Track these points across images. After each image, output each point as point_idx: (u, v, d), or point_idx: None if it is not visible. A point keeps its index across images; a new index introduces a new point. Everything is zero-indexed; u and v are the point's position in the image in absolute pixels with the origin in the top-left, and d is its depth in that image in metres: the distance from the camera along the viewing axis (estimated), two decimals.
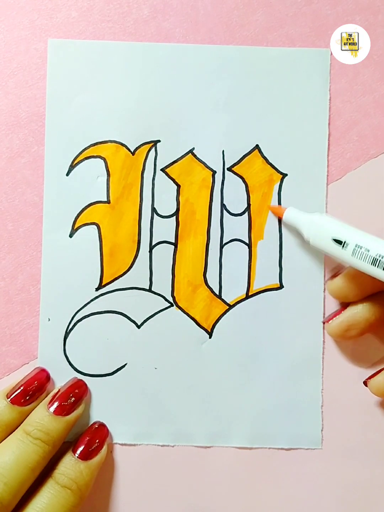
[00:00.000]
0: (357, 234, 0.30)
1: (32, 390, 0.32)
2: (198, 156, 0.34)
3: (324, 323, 0.34)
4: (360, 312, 0.32)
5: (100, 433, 0.33)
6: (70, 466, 0.31)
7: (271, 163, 0.34)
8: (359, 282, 0.32)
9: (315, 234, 0.31)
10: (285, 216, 0.33)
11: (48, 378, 0.33)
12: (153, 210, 0.34)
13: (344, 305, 0.33)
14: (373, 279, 0.30)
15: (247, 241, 0.34)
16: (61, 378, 0.34)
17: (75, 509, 0.30)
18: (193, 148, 0.34)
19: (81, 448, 0.32)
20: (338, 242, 0.30)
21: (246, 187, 0.34)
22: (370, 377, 0.33)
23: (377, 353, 0.34)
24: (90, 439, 0.32)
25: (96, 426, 0.33)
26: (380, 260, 0.29)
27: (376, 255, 0.29)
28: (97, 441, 0.32)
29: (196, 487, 0.34)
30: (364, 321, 0.32)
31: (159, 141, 0.34)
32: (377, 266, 0.29)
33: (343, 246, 0.30)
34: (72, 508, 0.30)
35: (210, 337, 0.34)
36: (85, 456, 0.31)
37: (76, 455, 0.31)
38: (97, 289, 0.34)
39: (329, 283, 0.33)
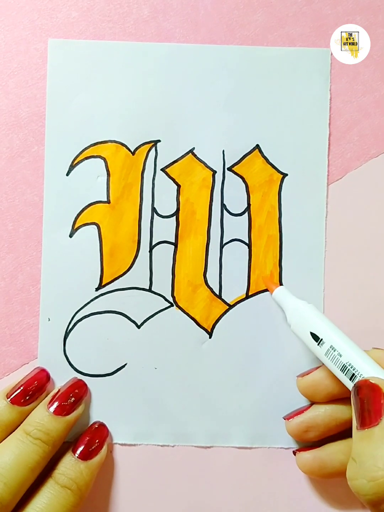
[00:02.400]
0: (334, 335, 0.29)
1: (32, 390, 0.32)
2: (198, 156, 0.34)
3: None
4: (321, 415, 0.31)
5: (100, 433, 0.33)
6: (70, 466, 0.31)
7: (271, 163, 0.34)
8: (327, 384, 0.31)
9: (297, 322, 0.31)
10: (274, 294, 0.33)
11: (48, 378, 0.33)
12: (153, 210, 0.34)
13: (309, 405, 0.33)
14: (341, 384, 0.29)
15: (247, 241, 0.34)
16: (61, 378, 0.34)
17: (75, 509, 0.30)
18: (193, 148, 0.34)
19: (81, 448, 0.32)
20: (316, 337, 0.30)
21: (246, 187, 0.34)
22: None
23: None
24: (90, 439, 0.32)
25: (96, 426, 0.33)
26: (349, 369, 0.28)
27: (347, 363, 0.28)
28: (97, 441, 0.32)
29: (196, 487, 0.34)
30: (323, 426, 0.31)
31: (159, 141, 0.34)
32: (345, 374, 0.28)
33: (319, 343, 0.29)
34: (72, 508, 0.30)
35: (210, 337, 0.34)
36: (85, 456, 0.31)
37: (76, 455, 0.31)
38: (97, 289, 0.34)
39: (298, 380, 0.33)
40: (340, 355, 0.29)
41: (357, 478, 0.24)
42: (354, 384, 0.27)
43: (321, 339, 0.29)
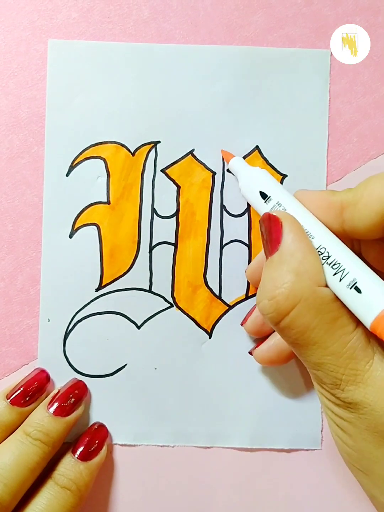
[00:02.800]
0: (282, 194, 0.29)
1: (32, 391, 0.32)
2: (198, 157, 0.34)
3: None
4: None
5: (100, 433, 0.33)
6: (69, 467, 0.31)
7: (271, 164, 0.34)
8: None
9: (247, 185, 0.31)
10: (230, 163, 0.33)
11: (48, 378, 0.33)
12: (153, 210, 0.34)
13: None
14: None
15: (247, 242, 0.34)
16: (61, 379, 0.34)
17: (75, 510, 0.30)
18: (193, 149, 0.34)
19: (80, 449, 0.32)
20: (264, 196, 0.29)
21: None
22: (255, 347, 0.33)
23: None
24: (89, 440, 0.32)
25: (96, 427, 0.33)
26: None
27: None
28: (96, 441, 0.32)
29: (196, 487, 0.34)
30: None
31: (159, 142, 0.34)
32: None
33: (266, 201, 0.29)
34: (71, 509, 0.30)
35: (210, 338, 0.34)
36: (85, 457, 0.31)
37: (76, 456, 0.31)
38: (97, 290, 0.34)
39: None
40: (285, 209, 0.28)
41: (261, 300, 0.25)
42: (259, 220, 0.28)
43: (269, 196, 0.29)
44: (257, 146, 0.34)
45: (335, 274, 0.25)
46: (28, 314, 0.34)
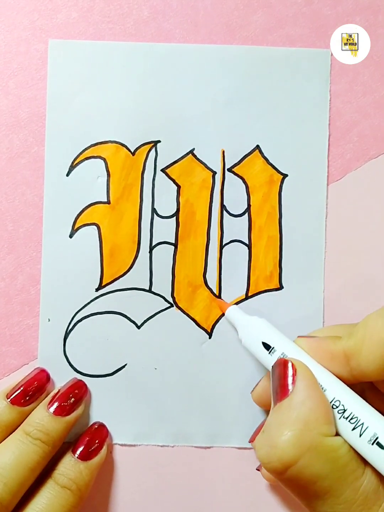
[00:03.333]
0: (285, 343, 0.29)
1: (32, 390, 0.32)
2: (198, 156, 0.34)
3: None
4: None
5: (100, 433, 0.33)
6: (69, 467, 0.31)
7: (271, 164, 0.34)
8: None
9: (248, 335, 0.31)
10: (226, 313, 0.33)
11: (48, 378, 0.33)
12: (153, 210, 0.34)
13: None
14: None
15: (247, 242, 0.34)
16: (61, 379, 0.34)
17: (75, 510, 0.30)
18: (193, 149, 0.34)
19: (80, 449, 0.32)
20: (267, 346, 0.29)
21: (246, 188, 0.34)
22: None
23: None
24: (89, 439, 0.32)
25: (96, 426, 0.33)
26: None
27: None
28: (96, 441, 0.32)
29: (196, 487, 0.34)
30: None
31: (159, 141, 0.34)
32: None
33: (270, 352, 0.29)
34: (71, 509, 0.30)
35: (210, 338, 0.34)
36: (85, 456, 0.31)
37: (76, 455, 0.31)
38: (97, 290, 0.34)
39: (253, 394, 0.33)
40: None
41: (262, 447, 0.25)
42: (275, 362, 0.27)
43: (272, 347, 0.29)
44: (257, 146, 0.34)
45: (353, 429, 0.24)
46: (28, 314, 0.34)
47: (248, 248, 0.34)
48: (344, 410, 0.25)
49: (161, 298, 0.34)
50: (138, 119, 0.34)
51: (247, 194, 0.34)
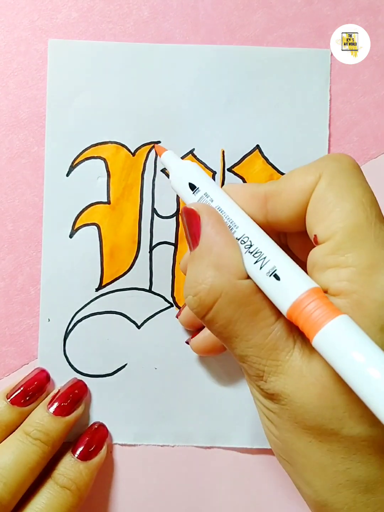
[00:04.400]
0: (210, 186, 0.28)
1: (32, 390, 0.32)
2: (198, 156, 0.34)
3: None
4: None
5: (100, 433, 0.33)
6: (69, 467, 0.31)
7: (271, 163, 0.34)
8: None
9: (177, 177, 0.30)
10: (162, 157, 0.31)
11: (48, 378, 0.33)
12: (154, 210, 0.34)
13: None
14: None
15: None
16: (61, 379, 0.34)
17: (75, 510, 0.30)
18: (193, 149, 0.34)
19: (80, 449, 0.32)
20: (192, 187, 0.28)
21: None
22: (191, 337, 0.33)
23: None
24: (89, 439, 0.32)
25: (96, 426, 0.33)
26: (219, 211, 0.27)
27: (216, 206, 0.27)
28: (96, 441, 0.32)
29: (196, 487, 0.34)
30: None
31: (159, 141, 0.34)
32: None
33: (194, 192, 0.28)
34: (71, 509, 0.30)
35: None
36: (85, 456, 0.31)
37: (76, 455, 0.31)
38: (97, 290, 0.34)
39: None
40: (212, 201, 0.27)
41: (186, 296, 0.25)
42: (180, 213, 0.27)
43: (197, 188, 0.28)
44: (257, 146, 0.34)
45: (256, 262, 0.24)
46: (28, 314, 0.34)
47: None
48: (251, 245, 0.25)
49: (161, 298, 0.34)
50: (138, 120, 0.34)
51: None
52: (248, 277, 0.24)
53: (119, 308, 0.34)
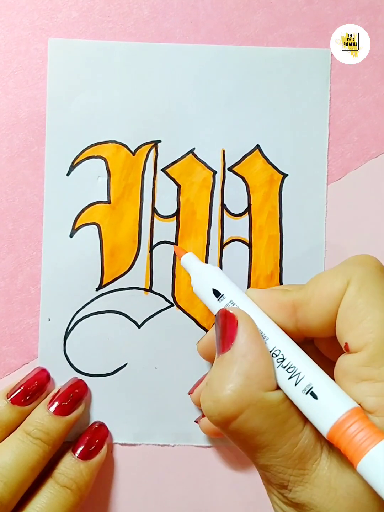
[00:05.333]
0: (234, 292, 0.28)
1: (33, 390, 0.32)
2: (198, 156, 0.34)
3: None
4: None
5: (100, 433, 0.33)
6: (70, 466, 0.31)
7: (271, 163, 0.34)
8: None
9: (200, 282, 0.30)
10: (182, 259, 0.32)
11: (48, 378, 0.33)
12: (154, 210, 0.34)
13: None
14: None
15: (247, 242, 0.34)
16: (61, 378, 0.34)
17: (75, 509, 0.30)
18: (194, 148, 0.34)
19: (81, 448, 0.32)
20: (217, 293, 0.29)
21: (246, 187, 0.34)
22: (202, 416, 0.33)
23: None
24: (90, 439, 0.32)
25: (96, 426, 0.33)
26: None
27: None
28: (96, 441, 0.32)
29: (196, 487, 0.34)
30: None
31: (159, 141, 0.34)
32: None
33: (219, 299, 0.28)
34: (71, 508, 0.30)
35: None
36: (85, 456, 0.31)
37: (76, 455, 0.31)
38: (97, 289, 0.34)
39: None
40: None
41: (206, 401, 0.25)
42: (216, 314, 0.27)
43: (222, 294, 0.28)
44: (257, 145, 0.34)
45: (290, 378, 0.24)
46: (28, 313, 0.34)
47: (249, 248, 0.34)
48: (283, 359, 0.24)
49: (162, 298, 0.34)
50: (138, 119, 0.34)
51: (247, 194, 0.34)
52: (277, 388, 0.24)
53: (119, 307, 0.34)
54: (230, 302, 0.28)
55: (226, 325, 0.26)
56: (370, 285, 0.24)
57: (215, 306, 0.28)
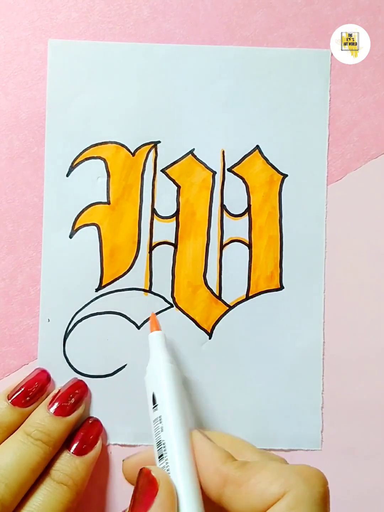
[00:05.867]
0: (170, 406, 0.27)
1: (33, 391, 0.32)
2: (198, 156, 0.34)
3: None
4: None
5: (94, 428, 0.33)
6: (65, 462, 0.31)
7: (271, 164, 0.34)
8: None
9: (150, 375, 0.30)
10: (150, 335, 0.32)
11: (48, 379, 0.33)
12: (153, 211, 0.34)
13: None
14: None
15: (247, 242, 0.34)
16: (60, 379, 0.34)
17: (72, 505, 0.30)
18: (193, 149, 0.34)
19: (76, 444, 0.32)
20: (155, 401, 0.28)
21: (246, 188, 0.34)
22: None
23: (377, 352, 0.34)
24: (84, 434, 0.32)
25: (90, 421, 0.33)
26: (161, 447, 0.27)
27: (162, 440, 0.27)
28: (91, 436, 0.32)
29: None
30: None
31: (159, 142, 0.34)
32: (157, 451, 0.27)
33: (154, 408, 0.28)
34: (68, 504, 0.30)
35: (210, 338, 0.34)
36: (80, 451, 0.31)
37: (71, 451, 0.31)
38: (97, 290, 0.34)
39: (124, 463, 0.31)
40: (162, 430, 0.27)
41: None
42: (140, 469, 0.26)
43: (157, 405, 0.28)
44: (257, 146, 0.34)
45: None
46: (28, 314, 0.34)
47: (249, 248, 0.34)
48: None
49: (161, 299, 0.34)
50: (138, 120, 0.34)
51: (247, 194, 0.34)
52: None
53: (119, 308, 0.34)
54: (159, 418, 0.27)
55: (145, 488, 0.25)
56: (304, 510, 0.23)
57: (150, 413, 0.28)
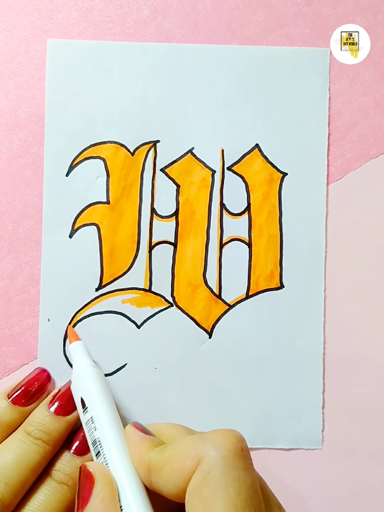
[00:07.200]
0: (101, 406, 0.28)
1: (33, 390, 0.32)
2: (197, 155, 0.34)
3: None
4: None
5: None
6: (65, 462, 0.31)
7: (271, 162, 0.34)
8: None
9: (76, 383, 0.31)
10: (70, 347, 0.33)
11: (49, 378, 0.33)
12: (153, 210, 0.34)
13: None
14: None
15: (247, 241, 0.34)
16: (61, 379, 0.34)
17: (73, 504, 0.30)
18: (193, 148, 0.34)
19: (76, 444, 0.32)
20: (84, 404, 0.29)
21: (246, 187, 0.34)
22: None
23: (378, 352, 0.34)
24: (84, 434, 0.32)
25: None
26: (97, 445, 0.28)
27: (97, 438, 0.28)
28: None
29: None
30: None
31: (158, 141, 0.34)
32: (94, 449, 0.28)
33: (84, 411, 0.29)
34: (69, 504, 0.30)
35: (210, 337, 0.34)
36: (81, 451, 0.31)
37: (72, 451, 0.31)
38: (97, 290, 0.34)
39: None
40: (95, 429, 0.28)
41: None
42: (80, 467, 0.27)
43: (86, 407, 0.29)
44: (257, 145, 0.34)
45: None
46: (28, 314, 0.34)
47: (249, 247, 0.34)
48: None
49: (161, 298, 0.34)
50: (137, 119, 0.34)
51: (247, 193, 0.34)
52: None
53: (119, 308, 0.34)
54: (90, 419, 0.28)
55: (83, 483, 0.26)
56: (217, 472, 0.23)
57: (81, 416, 0.29)
